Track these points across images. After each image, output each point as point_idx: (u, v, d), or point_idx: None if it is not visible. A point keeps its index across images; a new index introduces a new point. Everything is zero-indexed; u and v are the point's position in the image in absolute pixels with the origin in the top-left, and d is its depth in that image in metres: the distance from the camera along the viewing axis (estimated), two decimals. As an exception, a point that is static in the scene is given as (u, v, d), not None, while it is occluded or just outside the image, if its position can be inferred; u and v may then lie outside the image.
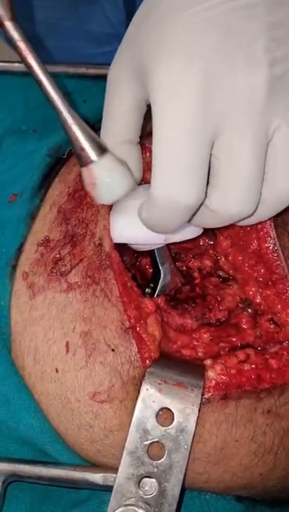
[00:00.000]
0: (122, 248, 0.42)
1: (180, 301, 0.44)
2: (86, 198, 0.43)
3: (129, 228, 0.39)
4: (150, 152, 0.44)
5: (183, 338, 0.42)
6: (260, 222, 0.38)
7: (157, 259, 0.44)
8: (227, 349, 0.41)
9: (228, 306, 0.43)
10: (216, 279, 0.46)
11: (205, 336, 0.42)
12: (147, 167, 0.42)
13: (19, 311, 0.42)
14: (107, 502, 0.36)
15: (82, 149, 0.36)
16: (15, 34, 0.35)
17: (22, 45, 0.35)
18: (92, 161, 0.36)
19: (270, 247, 0.40)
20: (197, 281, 0.46)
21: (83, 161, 0.36)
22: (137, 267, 0.48)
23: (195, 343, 0.41)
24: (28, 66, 0.35)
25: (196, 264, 0.47)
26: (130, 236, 0.40)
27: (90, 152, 0.36)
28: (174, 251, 0.47)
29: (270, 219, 0.39)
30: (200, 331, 0.42)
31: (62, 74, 0.53)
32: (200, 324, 0.43)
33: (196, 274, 0.47)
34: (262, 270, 0.41)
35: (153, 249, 0.44)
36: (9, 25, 0.35)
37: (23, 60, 0.35)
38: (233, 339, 0.42)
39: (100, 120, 0.53)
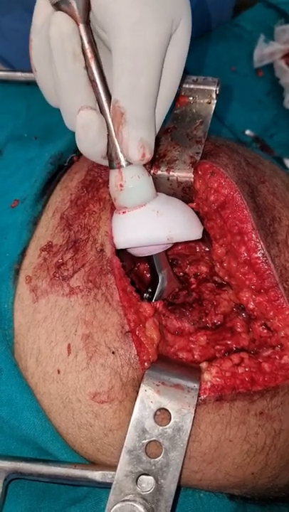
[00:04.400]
0: (122, 254, 0.44)
1: (177, 305, 0.46)
2: (88, 204, 0.44)
3: (133, 231, 0.41)
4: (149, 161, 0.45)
5: (180, 341, 0.43)
6: (246, 233, 0.41)
7: (155, 265, 0.46)
8: (222, 351, 0.43)
9: (223, 311, 0.45)
10: (212, 284, 0.47)
11: (202, 338, 0.43)
12: None
13: (22, 314, 0.43)
14: (104, 499, 0.37)
15: (117, 154, 0.39)
16: (85, 37, 0.38)
17: (89, 50, 0.38)
18: (123, 166, 0.39)
19: (260, 257, 0.41)
20: (193, 286, 0.47)
21: (115, 164, 0.40)
22: (135, 272, 0.49)
23: (191, 346, 0.43)
24: (89, 70, 0.39)
25: (192, 270, 0.48)
26: (134, 238, 0.42)
27: (123, 158, 0.39)
28: (171, 257, 0.49)
29: (254, 229, 0.41)
30: (197, 334, 0.43)
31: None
32: (197, 328, 0.44)
33: (192, 280, 0.48)
34: (254, 279, 0.42)
35: (151, 256, 0.46)
36: (82, 27, 0.38)
37: (87, 66, 0.38)
38: (229, 342, 0.43)
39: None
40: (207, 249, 0.49)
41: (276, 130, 0.74)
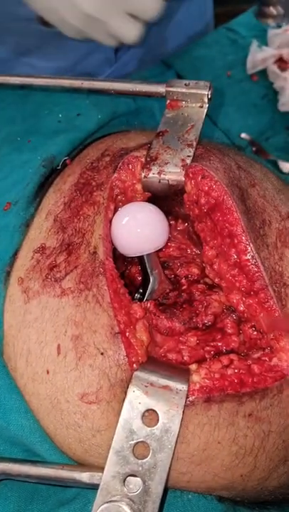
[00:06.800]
0: (114, 257, 0.44)
1: (168, 305, 0.46)
2: (83, 208, 0.45)
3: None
4: (141, 164, 0.46)
5: (169, 342, 0.43)
6: (236, 236, 0.41)
7: (147, 266, 0.46)
8: (212, 352, 0.43)
9: (214, 311, 0.45)
10: (203, 285, 0.47)
11: (192, 339, 0.43)
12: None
13: (13, 315, 0.43)
14: (92, 501, 0.37)
15: None
16: None
17: None
18: None
19: (250, 260, 0.42)
20: (184, 287, 0.48)
21: None
22: (127, 275, 0.49)
23: (181, 347, 0.43)
24: None
25: (183, 272, 0.48)
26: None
27: None
28: (163, 260, 0.49)
29: (244, 232, 0.41)
30: (187, 334, 0.44)
31: (57, 87, 0.55)
32: (187, 328, 0.44)
33: (183, 281, 0.48)
34: (244, 281, 0.43)
35: (143, 257, 0.46)
36: None
37: None
38: (219, 344, 0.43)
39: (94, 132, 0.55)
40: (198, 251, 0.49)
41: (272, 133, 0.74)
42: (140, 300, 0.45)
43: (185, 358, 0.43)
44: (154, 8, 0.52)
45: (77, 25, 0.53)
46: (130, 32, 0.54)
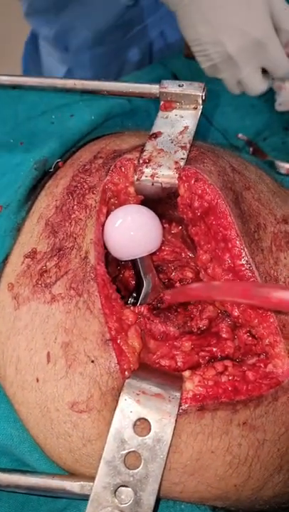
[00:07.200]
0: (106, 262, 0.44)
1: (162, 309, 0.45)
2: (74, 212, 0.44)
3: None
4: (134, 167, 0.45)
5: (163, 348, 0.43)
6: (230, 240, 0.41)
7: (140, 269, 0.46)
8: (207, 358, 0.42)
9: (208, 315, 0.44)
10: None
11: (186, 344, 0.42)
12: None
13: (3, 322, 0.42)
14: (84, 511, 0.36)
15: None
16: None
17: None
18: None
19: (244, 264, 0.41)
20: None
21: None
22: (120, 279, 0.48)
23: (175, 352, 0.42)
24: None
25: (177, 276, 0.48)
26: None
27: None
28: (156, 264, 0.48)
29: (238, 236, 0.41)
30: (182, 338, 0.43)
31: (49, 87, 0.54)
32: (182, 332, 0.44)
33: (177, 285, 0.48)
34: None
35: (136, 261, 0.45)
36: None
37: None
38: (214, 349, 0.43)
39: (87, 134, 0.54)
40: (192, 255, 0.48)
41: (269, 133, 0.74)
42: (134, 304, 0.45)
43: (179, 364, 0.42)
44: (285, 68, 0.59)
45: (216, 62, 0.60)
46: (258, 85, 0.62)
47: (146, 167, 0.45)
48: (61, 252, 0.42)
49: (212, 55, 0.59)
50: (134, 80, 0.75)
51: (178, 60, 0.75)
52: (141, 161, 0.45)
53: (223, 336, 0.43)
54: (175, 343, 0.43)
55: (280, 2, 0.58)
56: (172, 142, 0.47)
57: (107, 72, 0.92)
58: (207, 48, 0.59)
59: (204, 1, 0.57)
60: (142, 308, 0.44)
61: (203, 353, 0.43)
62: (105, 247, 0.44)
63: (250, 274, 0.41)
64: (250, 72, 0.60)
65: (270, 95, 0.74)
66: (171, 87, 0.49)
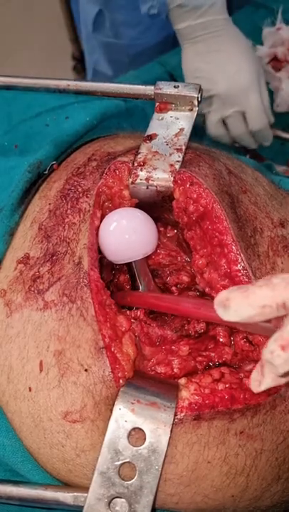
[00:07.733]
0: (101, 266, 0.43)
1: (159, 313, 0.45)
2: (68, 216, 0.43)
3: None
4: (128, 170, 0.44)
5: (158, 354, 0.42)
6: (226, 245, 0.40)
7: (136, 273, 0.45)
8: (204, 363, 0.41)
9: (206, 319, 0.44)
10: (194, 292, 0.46)
11: (184, 348, 0.42)
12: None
13: None
14: (78, 523, 0.36)
15: None
16: None
17: None
18: None
19: (240, 270, 0.40)
20: (176, 295, 0.46)
21: None
22: (115, 284, 0.48)
23: (170, 358, 0.41)
24: None
25: (173, 280, 0.47)
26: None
27: None
28: (152, 268, 0.48)
29: (234, 241, 0.40)
30: (179, 342, 0.42)
31: (43, 88, 0.53)
32: (179, 336, 0.43)
33: (173, 289, 0.47)
34: None
35: (132, 265, 0.45)
36: None
37: None
38: (212, 354, 0.42)
39: (82, 136, 0.53)
40: (188, 258, 0.47)
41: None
42: (130, 309, 0.44)
43: (175, 371, 0.41)
44: (261, 122, 0.67)
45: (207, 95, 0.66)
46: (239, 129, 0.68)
47: (141, 170, 0.44)
48: (54, 257, 0.41)
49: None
50: (131, 79, 0.74)
51: (175, 58, 0.74)
52: (135, 164, 0.44)
53: (221, 340, 0.43)
54: (173, 347, 0.42)
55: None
56: (167, 144, 0.46)
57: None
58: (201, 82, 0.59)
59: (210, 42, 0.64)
60: (138, 312, 0.43)
61: (200, 358, 0.42)
62: (100, 252, 0.44)
63: (246, 280, 0.40)
64: (235, 114, 0.67)
65: (268, 96, 0.74)
66: (167, 88, 0.48)
